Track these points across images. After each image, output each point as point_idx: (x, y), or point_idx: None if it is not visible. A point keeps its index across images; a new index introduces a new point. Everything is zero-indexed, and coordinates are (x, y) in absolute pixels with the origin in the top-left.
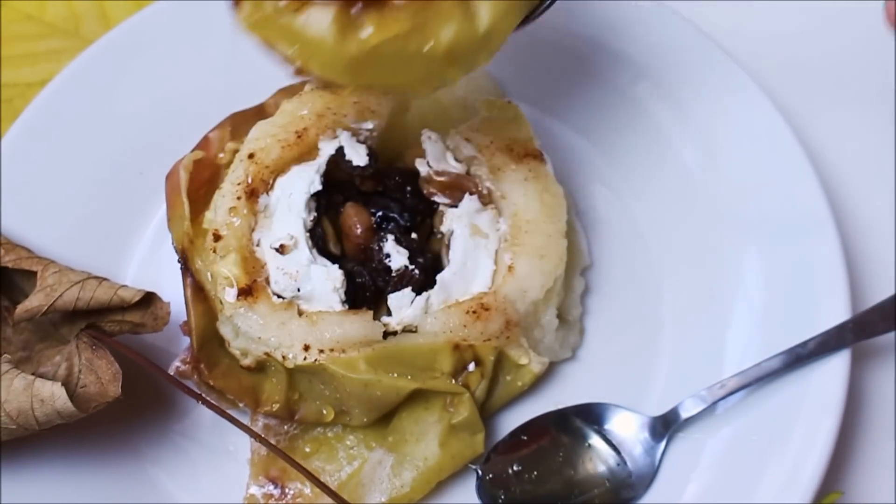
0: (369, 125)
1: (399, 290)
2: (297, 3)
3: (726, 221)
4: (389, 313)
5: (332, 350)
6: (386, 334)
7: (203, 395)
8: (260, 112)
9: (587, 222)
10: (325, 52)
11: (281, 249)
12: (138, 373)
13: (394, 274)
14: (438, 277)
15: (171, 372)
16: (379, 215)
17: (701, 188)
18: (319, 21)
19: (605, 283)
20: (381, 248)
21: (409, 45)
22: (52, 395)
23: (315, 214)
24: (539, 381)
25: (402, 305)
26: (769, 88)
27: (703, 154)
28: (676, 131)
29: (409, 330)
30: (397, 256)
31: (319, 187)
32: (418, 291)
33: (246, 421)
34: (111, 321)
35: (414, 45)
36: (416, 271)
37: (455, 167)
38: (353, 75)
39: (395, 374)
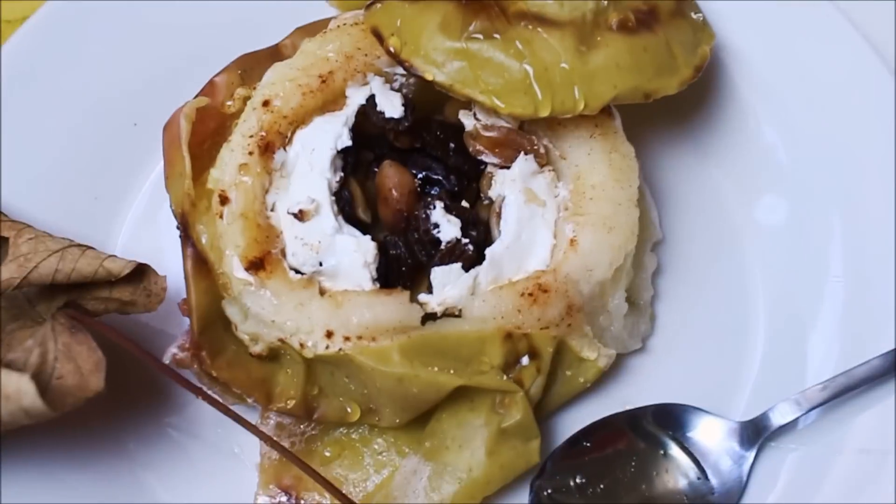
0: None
1: (446, 264)
2: None
3: (817, 193)
4: (429, 291)
5: (359, 337)
6: (424, 319)
7: (204, 388)
8: (275, 54)
9: (657, 189)
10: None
11: (300, 215)
12: (128, 359)
13: (443, 247)
14: (488, 252)
15: (167, 360)
16: (420, 177)
17: (787, 155)
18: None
19: (678, 261)
20: (427, 216)
21: (507, 54)
22: (19, 391)
23: (341, 174)
24: (604, 377)
25: (447, 282)
26: None
27: (791, 115)
28: (759, 88)
29: (451, 314)
30: (448, 227)
31: (348, 142)
32: (466, 269)
33: (255, 419)
34: (95, 298)
35: (511, 57)
36: (470, 245)
37: (506, 121)
38: (442, 66)
39: (436, 368)
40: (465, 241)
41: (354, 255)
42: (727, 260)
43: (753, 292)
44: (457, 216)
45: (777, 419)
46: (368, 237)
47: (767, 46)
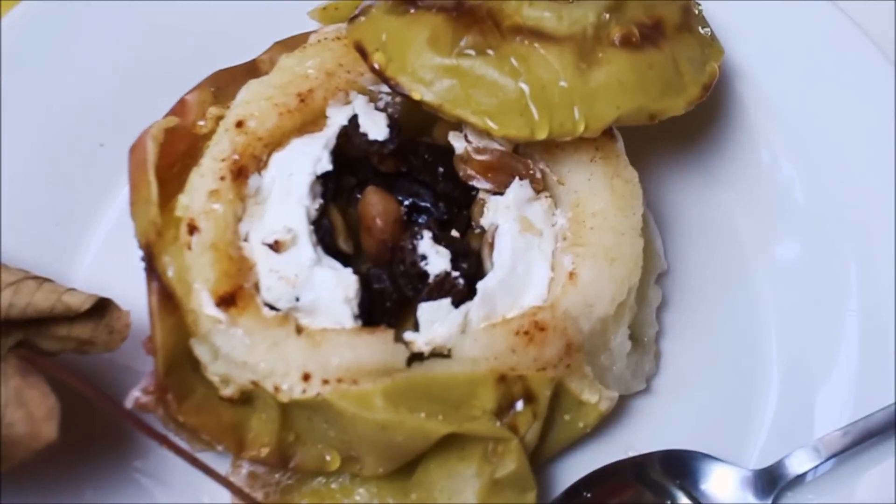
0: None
1: (434, 299)
2: (404, 6)
3: (833, 222)
4: (416, 328)
5: (339, 380)
6: (410, 360)
7: (169, 435)
8: (252, 70)
9: (661, 216)
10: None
11: (276, 246)
12: (88, 396)
13: (431, 281)
14: (480, 286)
15: (129, 405)
16: (406, 205)
17: (801, 181)
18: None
19: (685, 294)
20: (414, 247)
21: (502, 71)
22: None
23: (321, 201)
24: (605, 421)
25: (436, 319)
26: None
27: (802, 136)
28: (769, 107)
29: (440, 354)
30: (436, 258)
31: (328, 167)
32: (456, 305)
33: (225, 469)
34: (52, 336)
35: (506, 74)
36: (460, 279)
37: (500, 144)
38: (431, 84)
39: (423, 414)
40: (455, 274)
41: (334, 289)
42: (737, 292)
43: (766, 327)
44: (446, 247)
45: (794, 467)
46: (350, 270)
47: (778, 63)
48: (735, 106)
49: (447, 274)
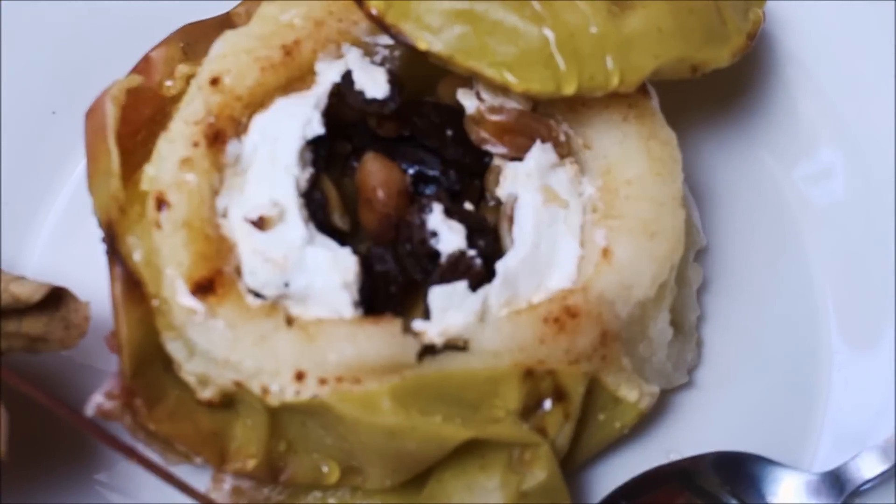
0: (391, 40)
1: (448, 282)
2: None
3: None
4: (426, 317)
5: (339, 380)
6: (422, 354)
7: (138, 447)
8: (225, 23)
9: (695, 185)
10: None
11: (260, 223)
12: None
13: (443, 261)
14: (499, 266)
15: (89, 412)
16: (412, 173)
17: (845, 156)
18: None
19: (727, 273)
20: (422, 223)
21: (522, 16)
22: None
23: (312, 171)
24: (644, 420)
25: (450, 306)
26: None
27: (854, 96)
28: (814, 57)
29: (455, 347)
30: (449, 235)
31: (320, 130)
32: (473, 288)
33: (205, 485)
34: None
35: (527, 20)
36: (478, 259)
37: (517, 101)
38: (440, 31)
39: (438, 417)
40: (471, 252)
41: (330, 272)
42: (788, 269)
43: (822, 309)
44: (460, 221)
45: (862, 471)
46: (348, 250)
47: (819, 12)
48: (776, 56)
49: (462, 253)
